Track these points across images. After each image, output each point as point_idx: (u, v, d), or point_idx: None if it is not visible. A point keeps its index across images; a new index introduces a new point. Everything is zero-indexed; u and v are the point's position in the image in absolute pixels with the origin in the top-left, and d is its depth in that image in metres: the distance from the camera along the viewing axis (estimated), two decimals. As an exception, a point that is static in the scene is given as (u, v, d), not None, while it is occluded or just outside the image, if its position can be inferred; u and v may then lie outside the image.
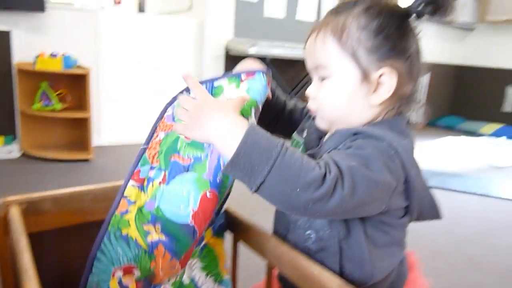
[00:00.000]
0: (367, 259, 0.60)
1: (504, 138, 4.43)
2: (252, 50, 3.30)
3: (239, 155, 0.51)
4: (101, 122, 3.26)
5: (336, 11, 0.63)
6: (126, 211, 0.65)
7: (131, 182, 0.66)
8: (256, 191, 0.52)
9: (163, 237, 0.63)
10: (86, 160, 2.81)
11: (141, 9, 5.55)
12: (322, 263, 0.61)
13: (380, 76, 0.61)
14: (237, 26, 3.66)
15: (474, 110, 5.39)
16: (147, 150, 0.68)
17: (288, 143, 0.55)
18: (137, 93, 3.42)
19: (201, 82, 0.67)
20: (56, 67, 2.69)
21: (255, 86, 0.68)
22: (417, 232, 2.03)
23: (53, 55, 2.72)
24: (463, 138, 4.50)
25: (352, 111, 0.63)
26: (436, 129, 5.11)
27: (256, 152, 0.51)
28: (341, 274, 0.61)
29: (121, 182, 0.68)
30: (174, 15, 3.87)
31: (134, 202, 0.65)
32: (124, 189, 0.66)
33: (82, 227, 0.84)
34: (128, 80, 3.37)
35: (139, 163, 0.67)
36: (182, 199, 0.63)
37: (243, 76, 0.69)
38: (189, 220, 0.63)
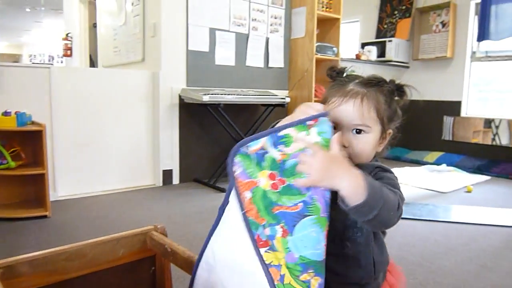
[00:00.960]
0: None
1: (444, 165, 4.77)
2: (206, 98, 3.44)
3: (366, 203, 0.73)
4: (56, 177, 3.23)
5: (368, 84, 0.91)
6: (282, 276, 0.72)
7: (262, 249, 0.73)
8: (370, 219, 0.75)
9: (319, 279, 0.73)
10: (43, 217, 2.76)
11: (92, 62, 5.61)
12: (358, 263, 0.89)
13: (388, 134, 0.95)
14: (190, 75, 3.82)
15: (417, 140, 5.77)
16: (247, 214, 0.74)
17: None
18: (92, 146, 3.43)
19: (264, 134, 0.76)
20: (10, 124, 2.69)
21: (324, 129, 0.76)
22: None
23: (6, 113, 2.72)
24: (408, 169, 4.79)
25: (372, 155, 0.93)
26: (385, 161, 5.41)
27: (374, 199, 0.74)
28: (373, 269, 0.91)
29: (82, 235, 0.75)
30: (127, 68, 3.98)
31: (280, 265, 0.72)
32: (262, 259, 0.73)
33: (58, 286, 0.90)
34: (83, 134, 3.39)
35: (252, 228, 0.73)
36: (316, 240, 0.72)
37: (308, 122, 0.76)
38: (324, 254, 0.73)
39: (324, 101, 0.92)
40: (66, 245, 0.91)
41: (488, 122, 5.11)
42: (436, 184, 3.99)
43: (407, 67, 5.85)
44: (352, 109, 0.87)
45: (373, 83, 0.91)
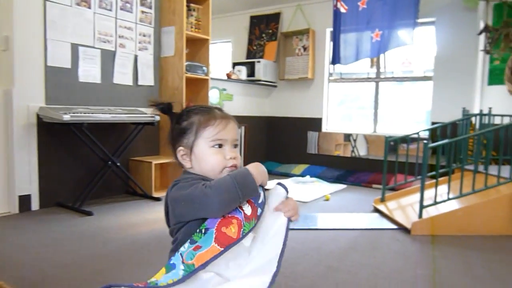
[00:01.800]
0: None
1: (308, 176, 5.21)
2: (66, 117, 3.26)
3: None
4: None
5: (225, 113, 1.14)
6: None
7: None
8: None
9: None
10: None
11: None
12: None
13: None
14: (50, 93, 3.58)
15: (286, 154, 6.21)
16: None
17: None
18: None
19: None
20: None
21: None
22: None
23: None
24: (276, 181, 5.11)
25: None
26: (257, 174, 5.70)
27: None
28: None
29: None
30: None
31: None
32: None
33: None
34: None
35: None
36: None
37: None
38: None
39: (201, 124, 1.07)
40: None
41: (347, 136, 5.73)
42: (299, 195, 4.33)
43: (275, 86, 6.28)
44: (234, 128, 1.09)
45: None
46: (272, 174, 5.76)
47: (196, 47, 4.79)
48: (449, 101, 4.87)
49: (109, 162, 3.79)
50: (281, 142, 6.34)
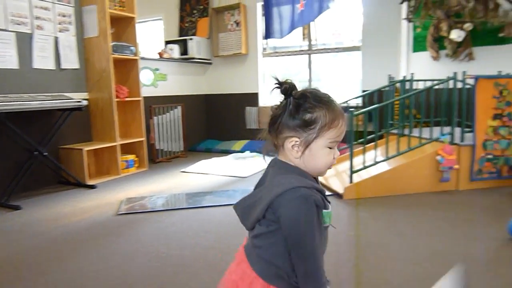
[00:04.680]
0: None
1: (248, 152, 5.26)
2: (-20, 107, 3.03)
3: None
4: None
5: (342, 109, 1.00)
6: None
7: None
8: None
9: None
10: None
11: None
12: None
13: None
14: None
15: (225, 131, 6.21)
16: None
17: None
18: None
19: None
20: None
21: None
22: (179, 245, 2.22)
23: None
24: (215, 159, 5.12)
25: None
26: (197, 153, 5.68)
27: None
28: None
29: None
30: None
31: None
32: None
33: None
34: None
35: None
36: None
37: None
38: None
39: (327, 124, 0.95)
40: None
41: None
42: (238, 170, 4.37)
43: (210, 63, 6.20)
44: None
45: None
46: (212, 152, 5.75)
47: (122, 26, 4.59)
48: (377, 69, 5.06)
49: (35, 152, 3.59)
50: (220, 120, 6.32)
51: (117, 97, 4.32)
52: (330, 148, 0.96)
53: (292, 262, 0.93)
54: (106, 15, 4.14)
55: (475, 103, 3.40)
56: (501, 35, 4.54)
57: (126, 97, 4.48)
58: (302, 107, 0.94)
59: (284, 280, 0.95)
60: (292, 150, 0.96)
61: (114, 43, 4.27)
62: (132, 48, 4.47)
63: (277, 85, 0.96)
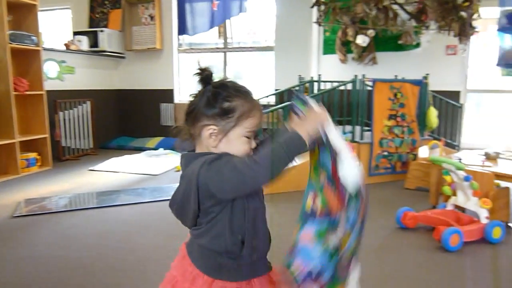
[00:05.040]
0: None
1: (161, 149, 5.17)
2: None
3: None
4: None
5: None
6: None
7: None
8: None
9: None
10: None
11: None
12: None
13: None
14: None
15: (139, 128, 6.03)
16: None
17: None
18: None
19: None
20: None
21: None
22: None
23: None
24: (127, 157, 4.95)
25: None
26: (109, 151, 5.45)
27: None
28: None
29: None
30: None
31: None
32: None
33: None
34: None
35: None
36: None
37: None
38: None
39: (245, 113, 0.96)
40: None
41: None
42: (150, 168, 4.28)
43: (123, 57, 5.98)
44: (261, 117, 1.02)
45: None
46: (125, 149, 5.55)
47: (22, 14, 4.24)
48: (289, 69, 5.24)
49: None
50: (134, 116, 6.12)
51: (15, 90, 4.00)
52: (248, 137, 0.98)
53: (232, 231, 0.95)
54: (2, 1, 3.81)
55: (373, 104, 3.68)
56: (400, 42, 4.96)
57: (27, 91, 4.16)
58: (221, 96, 0.95)
59: (229, 270, 0.96)
60: (209, 138, 0.97)
61: (11, 31, 3.94)
62: (33, 37, 4.16)
63: (198, 71, 0.97)
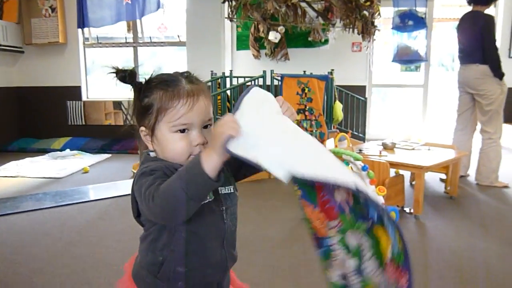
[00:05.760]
0: None
1: (68, 150, 4.85)
2: None
3: None
4: None
5: (196, 79, 0.89)
6: None
7: None
8: None
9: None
10: None
11: None
12: None
13: None
14: None
15: (44, 128, 5.60)
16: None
17: None
18: None
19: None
20: None
21: None
22: None
23: None
24: (29, 159, 4.57)
25: None
26: (7, 154, 4.99)
27: None
28: None
29: None
30: None
31: None
32: None
33: None
34: None
35: None
36: None
37: None
38: None
39: (162, 106, 0.83)
40: None
41: (117, 104, 5.51)
42: (53, 171, 4.00)
43: (22, 52, 5.51)
44: (203, 107, 0.86)
45: (195, 77, 0.90)
46: (27, 152, 5.12)
47: None
48: (202, 65, 5.18)
49: None
50: (37, 115, 5.67)
51: None
52: (181, 132, 0.84)
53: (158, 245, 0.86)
54: None
55: (282, 99, 3.77)
56: (309, 39, 5.14)
57: None
58: (142, 92, 0.87)
59: (148, 285, 0.89)
60: (147, 141, 0.89)
61: None
62: None
63: (113, 72, 0.88)
